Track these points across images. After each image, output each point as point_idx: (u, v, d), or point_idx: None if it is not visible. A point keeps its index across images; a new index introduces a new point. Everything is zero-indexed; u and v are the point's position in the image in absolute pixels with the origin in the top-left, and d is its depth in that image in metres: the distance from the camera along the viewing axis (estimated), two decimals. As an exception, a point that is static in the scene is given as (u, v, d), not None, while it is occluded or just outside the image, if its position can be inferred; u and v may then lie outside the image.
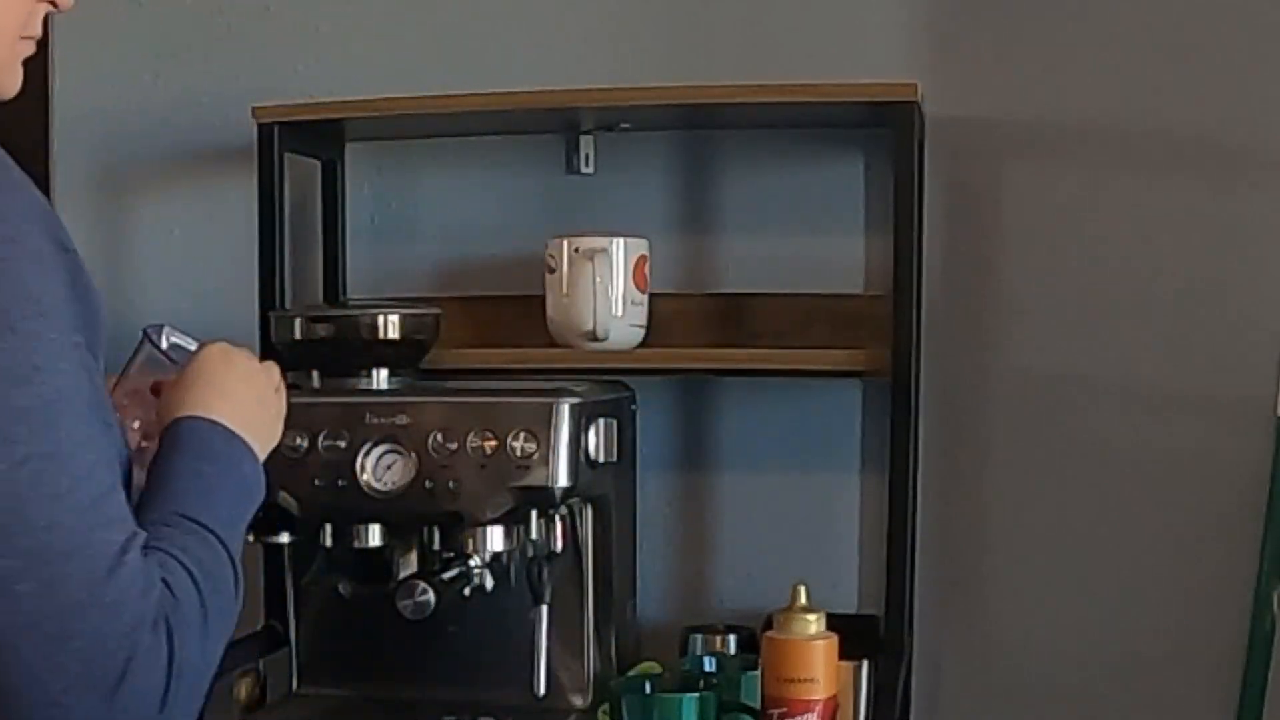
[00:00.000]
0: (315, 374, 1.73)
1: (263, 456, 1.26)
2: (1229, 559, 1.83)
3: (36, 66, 2.04)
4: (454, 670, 1.78)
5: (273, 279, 1.89)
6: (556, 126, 1.96)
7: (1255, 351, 1.83)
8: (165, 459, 1.18)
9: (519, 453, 1.59)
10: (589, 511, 1.75)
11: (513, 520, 1.64)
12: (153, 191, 2.10)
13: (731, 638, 1.78)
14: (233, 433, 1.22)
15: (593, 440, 1.64)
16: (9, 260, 1.01)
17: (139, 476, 1.15)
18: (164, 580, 1.04)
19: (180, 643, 1.02)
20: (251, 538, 1.68)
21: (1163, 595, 1.87)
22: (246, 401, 1.27)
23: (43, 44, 2.16)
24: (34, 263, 1.02)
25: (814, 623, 1.67)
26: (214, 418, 1.21)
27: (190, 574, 1.07)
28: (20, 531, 0.98)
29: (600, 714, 1.69)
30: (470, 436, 1.60)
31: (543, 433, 1.59)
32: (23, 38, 1.15)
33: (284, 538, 1.69)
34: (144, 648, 1.00)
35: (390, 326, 1.71)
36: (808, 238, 1.93)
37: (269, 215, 1.89)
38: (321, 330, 1.71)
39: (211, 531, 1.13)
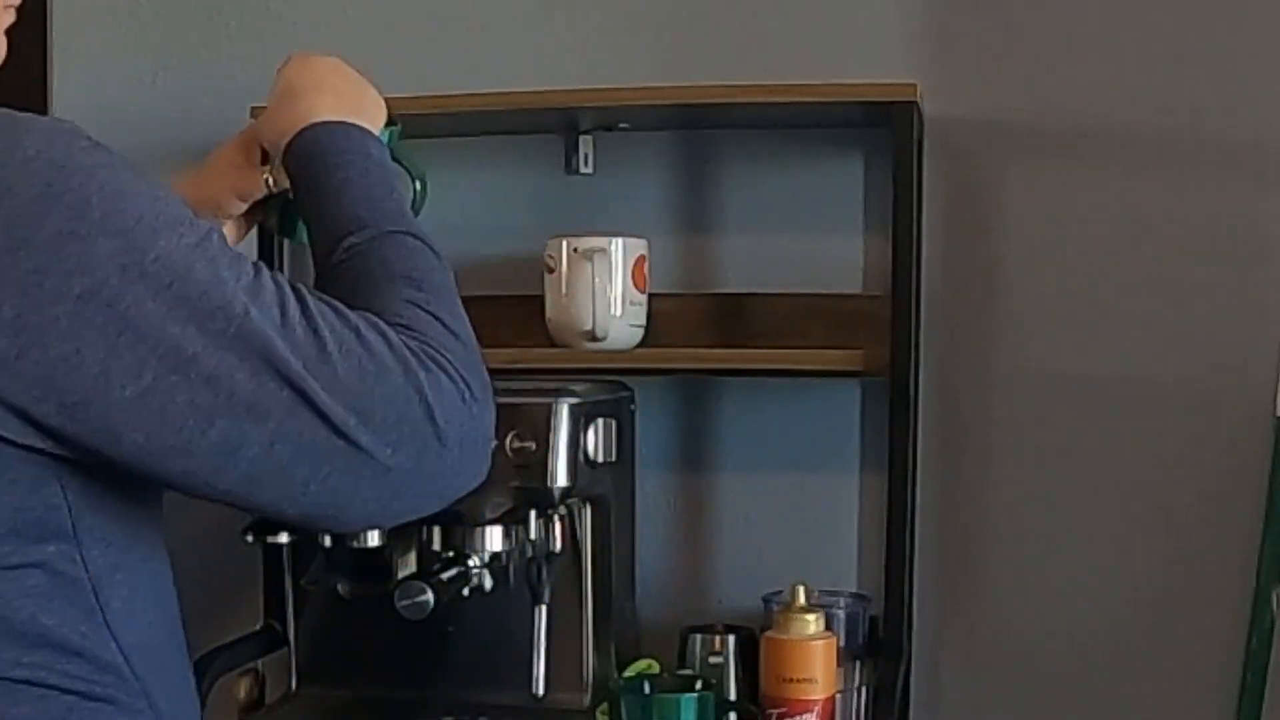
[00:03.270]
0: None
1: (379, 129, 1.27)
2: (1229, 558, 1.83)
3: (36, 66, 2.05)
4: (453, 670, 1.78)
5: (271, 279, 1.89)
6: (555, 126, 1.96)
7: (1255, 351, 1.83)
8: (302, 185, 1.20)
9: (518, 453, 1.59)
10: (588, 511, 1.75)
11: (512, 520, 1.64)
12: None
13: (730, 638, 1.78)
14: (347, 124, 1.22)
15: (592, 440, 1.64)
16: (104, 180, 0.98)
17: None
18: (396, 325, 1.05)
19: (435, 353, 1.05)
20: (250, 538, 1.69)
21: (1162, 595, 1.87)
22: (343, 88, 1.27)
23: (41, 44, 2.17)
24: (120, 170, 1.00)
25: (813, 623, 1.67)
26: (321, 118, 1.22)
27: (419, 300, 1.09)
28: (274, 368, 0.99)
29: (599, 714, 1.70)
30: (469, 436, 1.60)
31: (542, 433, 1.59)
32: (5, 5, 1.13)
33: (283, 538, 1.69)
34: (427, 382, 1.03)
35: (389, 326, 1.70)
36: (807, 238, 1.93)
37: (268, 215, 1.89)
38: (321, 330, 1.70)
39: (390, 232, 1.14)
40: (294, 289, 1.03)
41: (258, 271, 1.02)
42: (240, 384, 0.98)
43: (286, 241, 1.76)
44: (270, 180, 1.36)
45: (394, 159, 1.34)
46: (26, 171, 0.95)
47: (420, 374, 1.03)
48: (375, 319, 1.05)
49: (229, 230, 1.43)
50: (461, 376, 1.06)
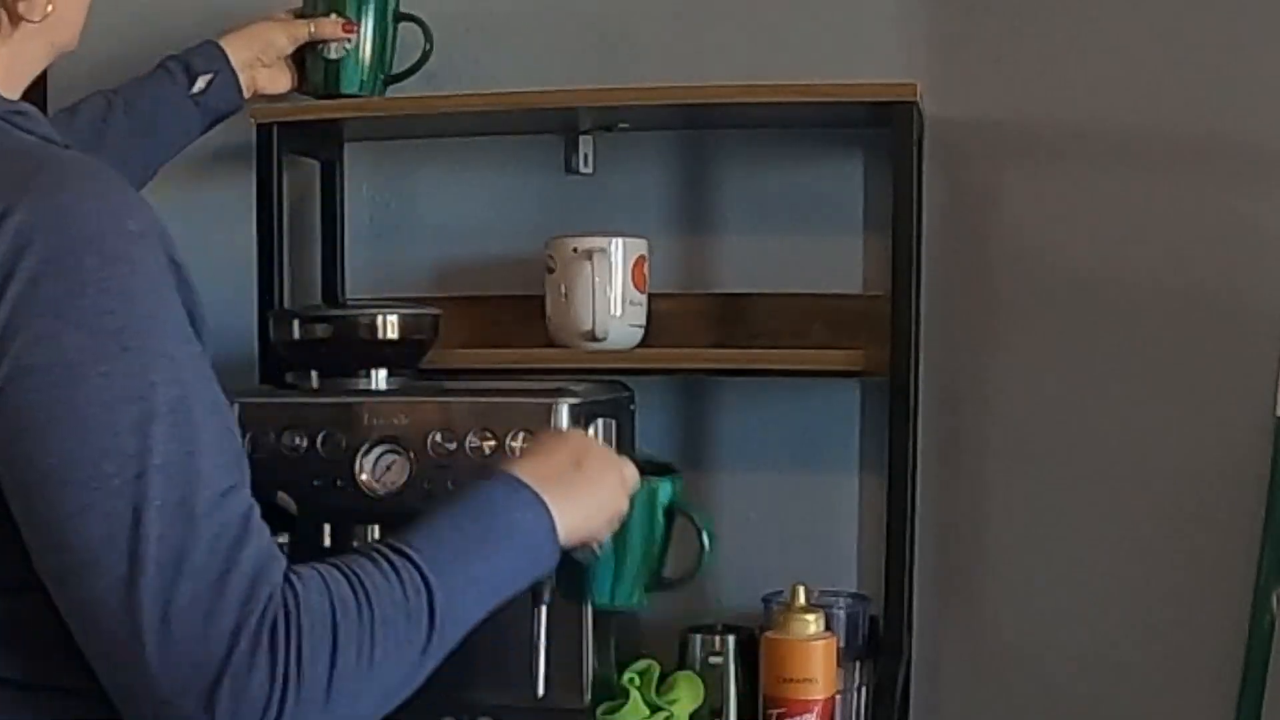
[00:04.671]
0: (314, 374, 1.73)
1: (575, 514, 1.20)
2: (1228, 559, 1.83)
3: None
4: (452, 670, 1.77)
5: (271, 279, 1.89)
6: (555, 126, 1.96)
7: (1255, 351, 1.83)
8: (447, 507, 1.14)
9: (518, 453, 1.59)
10: (588, 512, 1.74)
11: (512, 520, 1.64)
12: (151, 191, 2.09)
13: (730, 638, 1.78)
14: (527, 487, 1.16)
15: (592, 440, 1.64)
16: (124, 277, 1.00)
17: None
18: (291, 588, 1.00)
19: (293, 654, 0.98)
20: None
21: (1162, 595, 1.87)
22: (561, 462, 1.23)
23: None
24: (146, 278, 1.01)
25: (813, 623, 1.67)
26: (520, 476, 1.17)
27: (342, 588, 1.02)
28: (133, 536, 0.96)
29: (599, 714, 1.70)
30: (469, 437, 1.60)
31: (542, 433, 1.59)
32: None
33: (283, 538, 1.69)
34: (239, 653, 0.96)
35: (389, 327, 1.71)
36: (806, 238, 1.93)
37: (267, 215, 1.89)
38: (320, 330, 1.71)
39: (416, 564, 1.06)
40: (243, 526, 1.00)
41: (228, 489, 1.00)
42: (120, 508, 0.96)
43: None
44: (312, 28, 1.82)
45: (678, 510, 1.47)
46: (68, 234, 0.98)
47: (243, 660, 0.97)
48: (292, 603, 0.99)
49: (279, 75, 1.82)
50: (289, 689, 0.98)
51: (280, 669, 0.98)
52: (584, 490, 1.26)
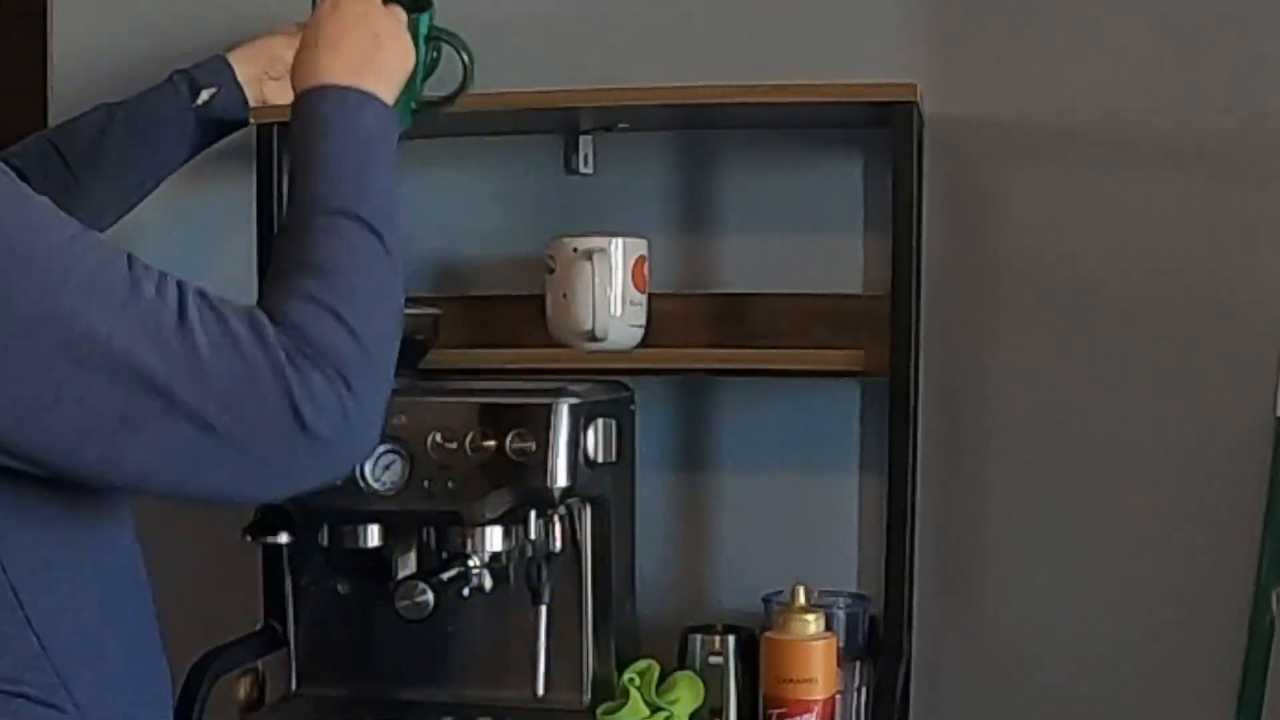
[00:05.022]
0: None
1: (395, 85, 1.33)
2: (1228, 559, 1.83)
3: (35, 66, 2.05)
4: (453, 670, 1.78)
5: (271, 279, 1.89)
6: (555, 126, 1.96)
7: (1255, 351, 1.83)
8: (292, 149, 1.27)
9: (518, 453, 1.59)
10: (588, 512, 1.75)
11: (511, 520, 1.64)
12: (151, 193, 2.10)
13: (730, 638, 1.78)
14: (347, 90, 1.27)
15: (591, 440, 1.64)
16: None
17: None
18: (281, 321, 1.12)
19: (318, 343, 1.11)
20: (249, 538, 1.69)
21: (1162, 595, 1.87)
22: (361, 43, 1.31)
23: (40, 43, 2.17)
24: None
25: (813, 623, 1.67)
26: (323, 81, 1.27)
27: (308, 282, 1.15)
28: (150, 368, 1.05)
29: (599, 714, 1.70)
30: (469, 436, 1.60)
31: (542, 433, 1.59)
32: None
33: (282, 538, 1.69)
34: (289, 375, 1.09)
35: (389, 326, 1.70)
36: (806, 238, 1.93)
37: (268, 215, 1.89)
38: (320, 330, 1.70)
39: (334, 212, 1.19)
40: (179, 293, 1.10)
41: (135, 282, 1.08)
42: (112, 401, 1.05)
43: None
44: None
45: (435, 37, 1.50)
46: None
47: (290, 375, 1.09)
48: (259, 318, 1.11)
49: (288, 87, 1.60)
50: (339, 373, 1.12)
51: (320, 356, 1.11)
52: (386, 59, 1.35)
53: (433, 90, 1.60)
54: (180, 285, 1.10)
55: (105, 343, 1.04)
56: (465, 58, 1.57)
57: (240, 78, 1.81)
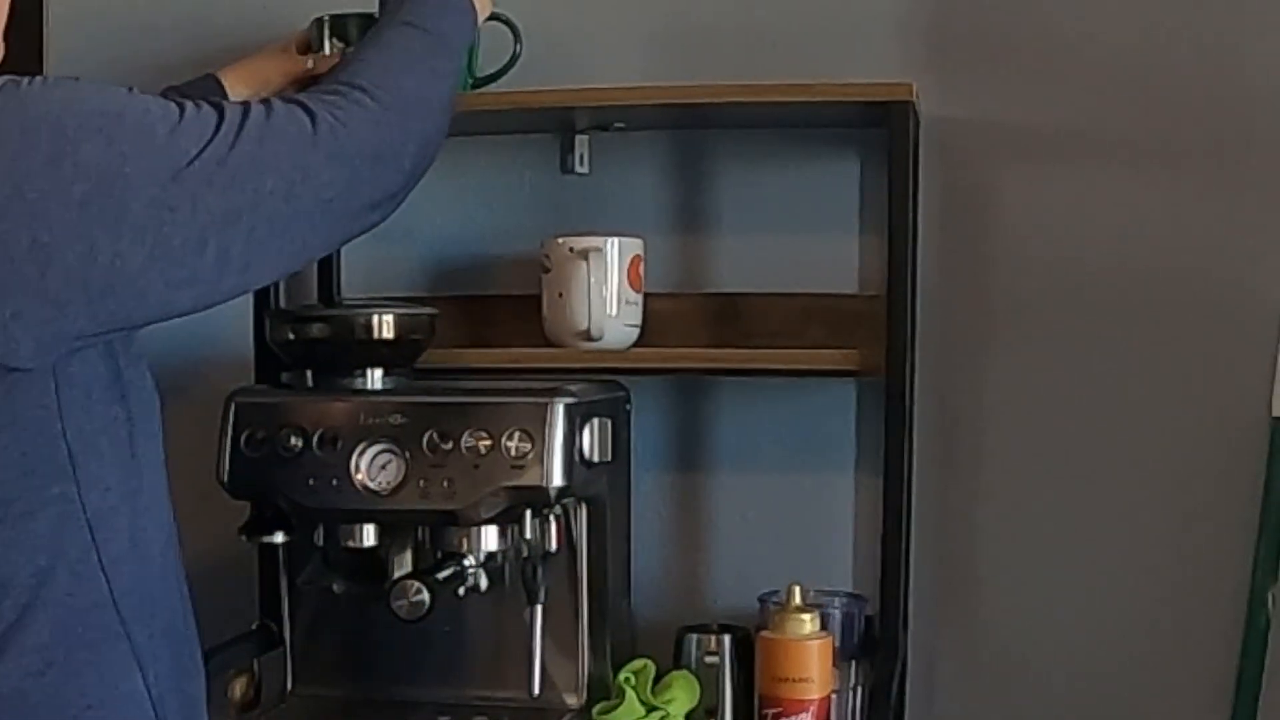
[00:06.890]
0: (310, 374, 1.73)
1: (484, 12, 1.58)
2: (1225, 558, 1.84)
3: (32, 66, 2.04)
4: (448, 670, 1.78)
5: (268, 279, 1.89)
6: (551, 126, 1.96)
7: (1252, 351, 1.83)
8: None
9: (513, 452, 1.59)
10: (583, 511, 1.75)
11: (507, 520, 1.64)
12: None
13: (726, 637, 1.78)
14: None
15: (587, 440, 1.64)
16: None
17: None
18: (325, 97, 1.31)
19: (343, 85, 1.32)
20: (245, 538, 1.69)
21: (1158, 595, 1.87)
22: None
23: (37, 46, 2.17)
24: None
25: (809, 622, 1.67)
26: None
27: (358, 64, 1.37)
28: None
29: (595, 713, 1.70)
30: (465, 436, 1.60)
31: (537, 432, 1.59)
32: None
33: (278, 538, 1.69)
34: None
35: (385, 326, 1.71)
36: (803, 237, 1.93)
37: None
38: (316, 330, 1.71)
39: (403, 24, 1.44)
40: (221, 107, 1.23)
41: (183, 112, 1.20)
42: (212, 203, 1.16)
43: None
44: (311, 64, 1.77)
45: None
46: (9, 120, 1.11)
47: (325, 118, 1.27)
48: (302, 107, 1.28)
49: None
50: (365, 90, 1.32)
51: (347, 95, 1.32)
52: None
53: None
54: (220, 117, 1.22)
55: (195, 156, 1.17)
56: (516, 34, 1.79)
57: (232, 98, 1.79)
